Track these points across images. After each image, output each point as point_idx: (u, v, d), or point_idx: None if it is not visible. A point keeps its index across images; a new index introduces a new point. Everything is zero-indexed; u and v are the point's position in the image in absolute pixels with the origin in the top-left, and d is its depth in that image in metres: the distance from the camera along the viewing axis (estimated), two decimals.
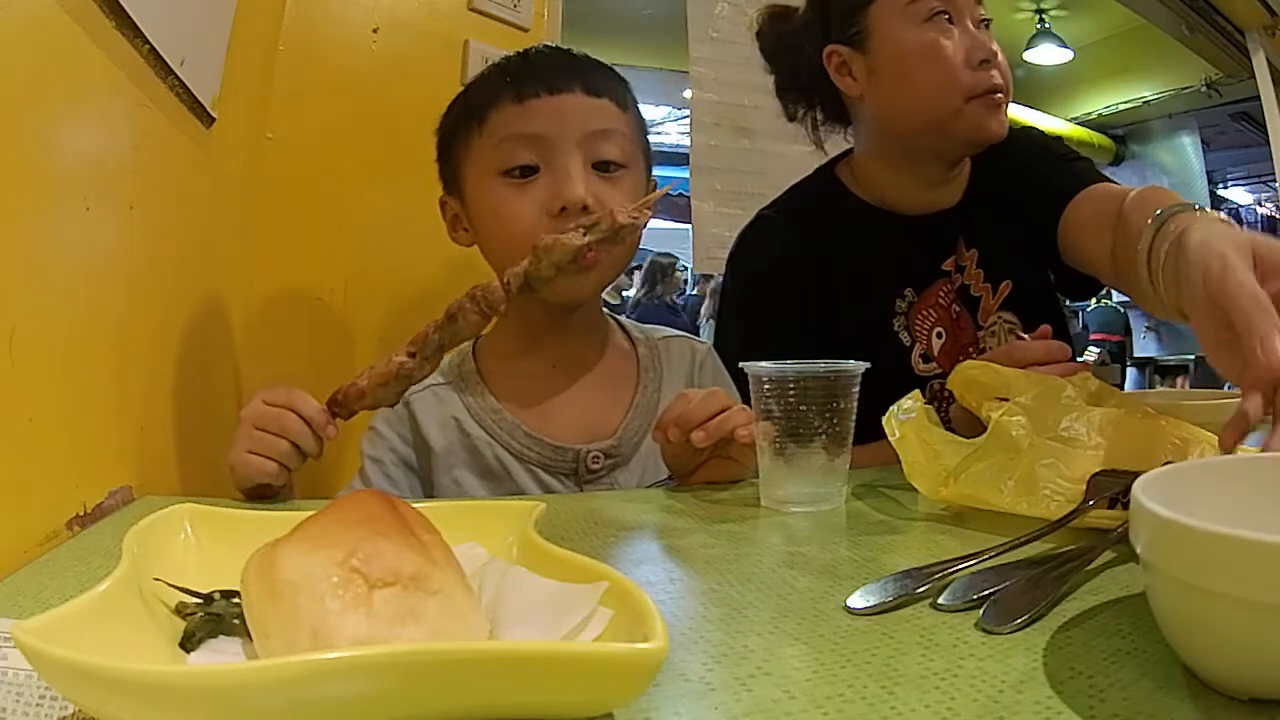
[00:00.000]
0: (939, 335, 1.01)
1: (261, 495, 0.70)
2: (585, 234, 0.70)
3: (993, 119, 0.95)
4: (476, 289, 0.70)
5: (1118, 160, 6.00)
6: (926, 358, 1.00)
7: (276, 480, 0.69)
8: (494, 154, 0.80)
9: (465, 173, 0.84)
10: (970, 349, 1.01)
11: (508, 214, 0.79)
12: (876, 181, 1.05)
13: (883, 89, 0.98)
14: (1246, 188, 6.49)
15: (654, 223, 0.82)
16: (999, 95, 0.94)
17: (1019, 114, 4.27)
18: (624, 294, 5.52)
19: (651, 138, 0.90)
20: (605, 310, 0.94)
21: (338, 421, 0.71)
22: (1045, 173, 1.02)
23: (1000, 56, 0.95)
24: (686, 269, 5.71)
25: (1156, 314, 0.76)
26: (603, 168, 0.81)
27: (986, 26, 0.97)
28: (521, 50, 0.87)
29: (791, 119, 1.12)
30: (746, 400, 0.72)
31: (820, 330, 0.97)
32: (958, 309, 1.03)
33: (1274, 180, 4.19)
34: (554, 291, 0.79)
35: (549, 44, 0.88)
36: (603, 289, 0.87)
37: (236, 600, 0.34)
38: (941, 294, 1.02)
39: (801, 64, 1.05)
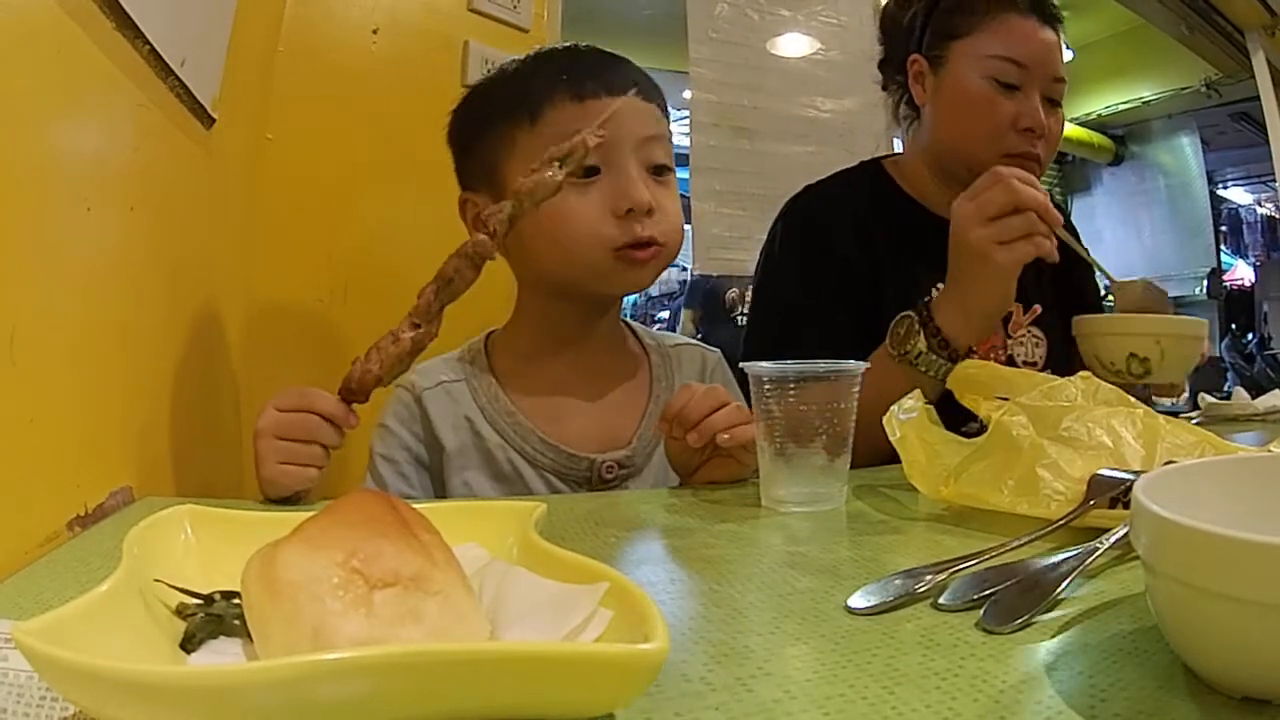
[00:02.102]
0: None
1: (294, 500, 0.69)
2: (561, 166, 0.69)
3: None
4: (466, 245, 0.69)
5: (1117, 160, 5.99)
6: None
7: (315, 484, 0.67)
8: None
9: (507, 171, 0.81)
10: (998, 347, 1.09)
11: (571, 213, 0.78)
12: (919, 181, 1.13)
13: (938, 111, 1.08)
14: (1246, 188, 6.48)
15: None
16: (1031, 163, 1.02)
17: None
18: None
19: None
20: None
21: (355, 408, 0.70)
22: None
23: (1052, 131, 1.04)
24: (685, 268, 5.71)
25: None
26: (654, 171, 0.82)
27: (1054, 105, 1.04)
28: (564, 47, 0.87)
29: (884, 89, 1.21)
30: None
31: (864, 291, 1.02)
32: None
33: (1273, 180, 4.19)
34: (613, 284, 0.82)
35: (588, 45, 0.87)
36: (656, 279, 0.86)
37: (237, 601, 0.34)
38: None
39: (900, 51, 1.14)
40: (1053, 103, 1.04)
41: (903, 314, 0.88)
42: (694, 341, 0.98)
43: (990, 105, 1.02)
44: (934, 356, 0.84)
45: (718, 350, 0.97)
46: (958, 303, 0.85)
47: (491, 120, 0.83)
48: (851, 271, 1.04)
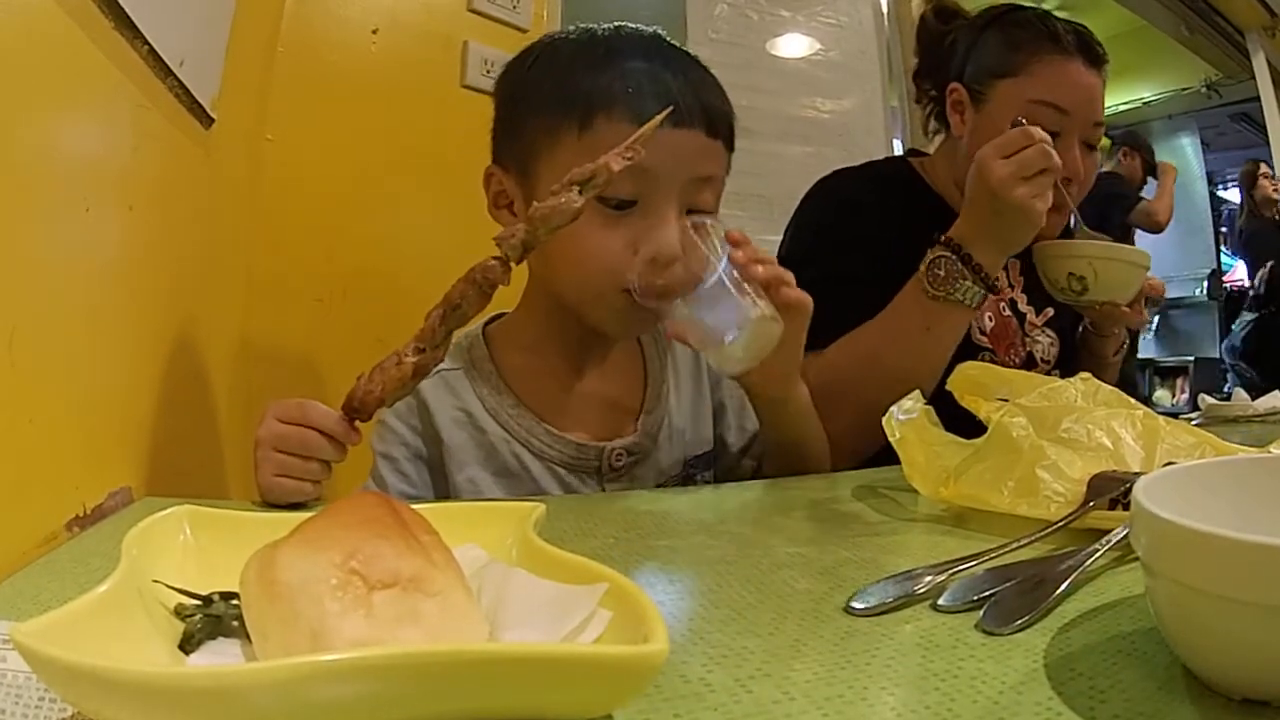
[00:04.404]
0: (989, 319, 1.10)
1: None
2: (581, 191, 0.64)
3: (1048, 222, 1.05)
4: (475, 271, 0.65)
5: None
6: (981, 330, 1.10)
7: (313, 496, 0.66)
8: None
9: (542, 168, 0.76)
10: (1015, 346, 1.12)
11: (593, 245, 0.73)
12: (944, 186, 1.14)
13: (975, 148, 1.06)
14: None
15: None
16: (1063, 209, 1.05)
17: None
18: None
19: None
20: None
21: (357, 424, 0.68)
22: None
23: (1086, 176, 1.05)
24: None
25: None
26: (695, 215, 0.76)
27: (1091, 148, 1.06)
28: (644, 35, 0.80)
29: (917, 101, 1.24)
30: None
31: (896, 267, 1.01)
32: (1007, 312, 1.12)
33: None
34: (615, 327, 0.80)
35: (672, 42, 0.82)
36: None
37: (235, 602, 0.34)
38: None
39: (937, 67, 1.15)
40: (1089, 146, 1.05)
41: (936, 256, 0.93)
42: None
43: None
44: (977, 289, 0.92)
45: None
46: (991, 243, 0.92)
47: (540, 104, 0.77)
48: (886, 250, 1.03)
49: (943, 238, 0.93)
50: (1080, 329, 1.18)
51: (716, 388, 0.91)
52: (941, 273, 0.92)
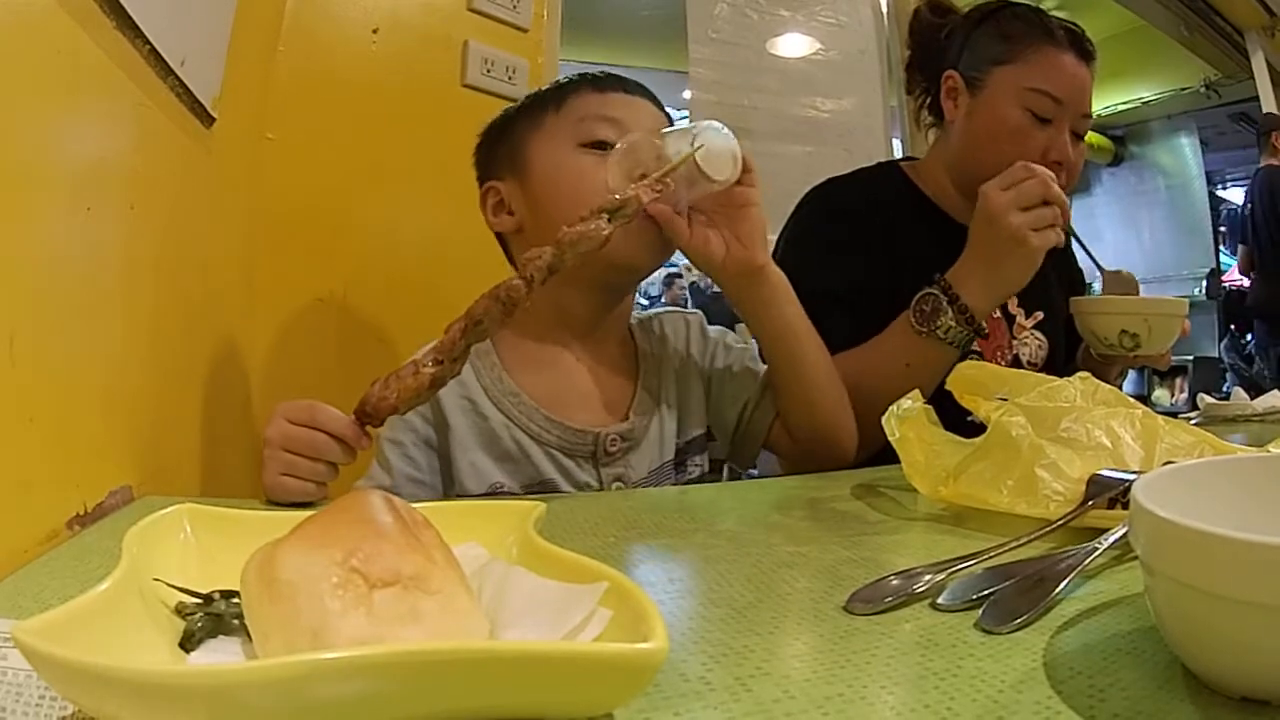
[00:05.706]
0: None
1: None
2: (610, 219, 0.67)
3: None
4: (500, 288, 0.66)
5: (1117, 161, 6.00)
6: None
7: (317, 496, 0.67)
8: (575, 129, 0.84)
9: (532, 148, 0.86)
10: (1003, 348, 1.13)
11: (591, 181, 0.79)
12: (939, 188, 1.16)
13: (970, 133, 1.10)
14: (1245, 188, 6.49)
15: None
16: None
17: None
18: None
19: None
20: None
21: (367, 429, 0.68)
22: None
23: (1075, 164, 1.07)
24: (674, 265, 5.75)
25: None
26: None
27: (1079, 138, 1.08)
28: None
29: (909, 93, 1.25)
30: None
31: (888, 272, 1.02)
32: (997, 314, 1.13)
33: None
34: (625, 249, 0.80)
35: None
36: (665, 257, 0.87)
37: (236, 600, 0.34)
38: None
39: (931, 59, 1.16)
40: (1077, 136, 1.07)
41: (924, 292, 0.93)
42: (672, 308, 1.00)
43: (1024, 137, 1.04)
44: (960, 329, 0.91)
45: (698, 312, 0.99)
46: (983, 280, 0.92)
47: (518, 114, 0.90)
48: (876, 260, 1.05)
49: (938, 275, 0.93)
50: (1080, 350, 1.18)
51: (712, 361, 0.94)
52: (927, 308, 0.93)
